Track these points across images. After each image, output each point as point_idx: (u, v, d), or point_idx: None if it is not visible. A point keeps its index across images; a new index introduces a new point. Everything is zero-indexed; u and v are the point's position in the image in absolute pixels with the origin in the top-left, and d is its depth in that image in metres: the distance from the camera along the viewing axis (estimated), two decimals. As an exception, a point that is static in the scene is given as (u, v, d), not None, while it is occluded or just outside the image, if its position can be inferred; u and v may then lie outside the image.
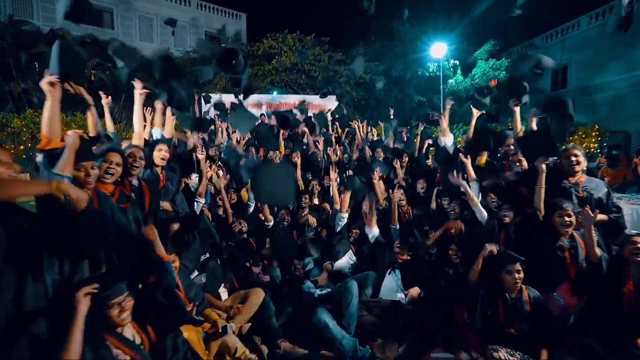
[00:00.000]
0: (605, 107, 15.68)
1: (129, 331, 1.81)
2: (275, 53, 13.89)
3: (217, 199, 4.27)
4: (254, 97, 11.59)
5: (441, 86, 15.08)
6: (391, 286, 3.44)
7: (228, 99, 10.34)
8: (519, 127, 3.72)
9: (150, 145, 3.07)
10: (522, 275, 2.50)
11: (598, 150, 13.93)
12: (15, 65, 13.48)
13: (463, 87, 15.64)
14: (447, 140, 4.49)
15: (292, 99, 11.60)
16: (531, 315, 2.48)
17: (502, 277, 2.55)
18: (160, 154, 3.07)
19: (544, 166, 2.85)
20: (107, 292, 1.67)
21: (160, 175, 3.06)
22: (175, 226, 2.84)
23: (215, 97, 10.51)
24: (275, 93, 12.74)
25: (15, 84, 13.57)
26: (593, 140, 14.33)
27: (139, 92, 3.06)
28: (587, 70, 16.76)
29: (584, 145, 14.01)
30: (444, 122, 4.54)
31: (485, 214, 3.29)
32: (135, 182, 2.66)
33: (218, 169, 4.67)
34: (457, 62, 15.93)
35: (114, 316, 1.69)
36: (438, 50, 15.13)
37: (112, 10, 18.28)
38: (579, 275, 2.62)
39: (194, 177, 3.47)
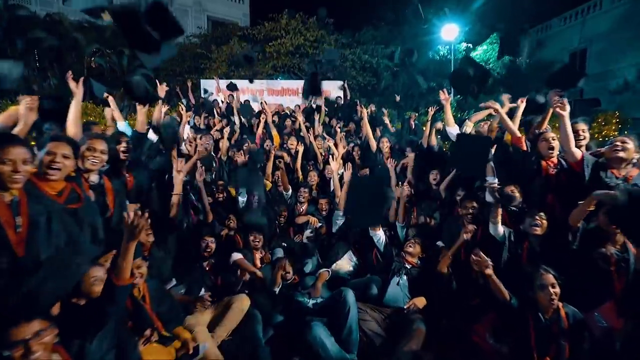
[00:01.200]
0: (627, 93, 14.79)
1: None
2: (277, 36, 13.23)
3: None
4: (255, 83, 11.08)
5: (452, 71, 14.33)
6: (397, 295, 3.00)
7: (225, 85, 9.90)
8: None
9: (109, 138, 2.65)
10: (558, 290, 2.05)
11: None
12: (12, 52, 13.15)
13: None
14: (453, 130, 3.99)
15: (295, 85, 11.04)
16: (569, 338, 2.05)
17: (533, 293, 2.11)
18: (121, 147, 2.64)
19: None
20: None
21: (128, 176, 2.66)
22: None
23: (211, 82, 10.11)
24: (279, 79, 12.21)
25: (13, 71, 13.26)
26: (613, 127, 13.57)
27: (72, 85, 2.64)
28: (608, 54, 15.75)
29: (603, 133, 13.29)
30: (448, 112, 4.01)
31: (501, 231, 2.79)
32: (94, 178, 2.26)
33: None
34: (470, 45, 15.10)
35: (16, 357, 1.26)
36: (449, 33, 14.32)
37: (112, -6, 17.72)
38: (628, 293, 2.16)
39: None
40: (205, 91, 8.78)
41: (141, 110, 3.22)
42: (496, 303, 2.28)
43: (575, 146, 2.72)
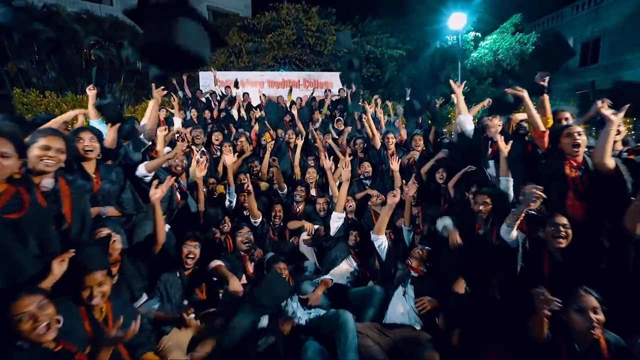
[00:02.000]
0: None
1: None
2: (277, 26, 12.78)
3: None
4: (255, 75, 10.74)
5: (459, 62, 13.81)
6: (401, 308, 2.66)
7: (224, 76, 9.57)
8: None
9: (69, 136, 2.31)
10: (601, 317, 1.70)
11: (632, 132, 12.67)
12: (9, 45, 12.89)
13: (486, 61, 14.30)
14: (465, 119, 3.59)
15: (296, 77, 10.66)
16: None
17: (568, 317, 1.76)
18: (83, 145, 2.31)
19: None
20: None
21: (94, 176, 2.33)
22: (104, 232, 2.11)
23: (209, 74, 9.77)
24: (280, 70, 11.84)
25: (11, 64, 13.02)
26: (627, 120, 13.05)
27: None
28: (621, 44, 15.10)
29: (616, 126, 12.81)
30: (460, 100, 3.61)
31: (514, 235, 2.44)
32: (47, 182, 1.93)
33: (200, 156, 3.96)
34: (478, 34, 14.54)
35: None
36: (457, 22, 13.79)
37: (110, -15, 17.31)
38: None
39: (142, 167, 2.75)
40: (202, 92, 8.46)
41: (112, 129, 2.92)
42: (525, 332, 1.91)
43: None
